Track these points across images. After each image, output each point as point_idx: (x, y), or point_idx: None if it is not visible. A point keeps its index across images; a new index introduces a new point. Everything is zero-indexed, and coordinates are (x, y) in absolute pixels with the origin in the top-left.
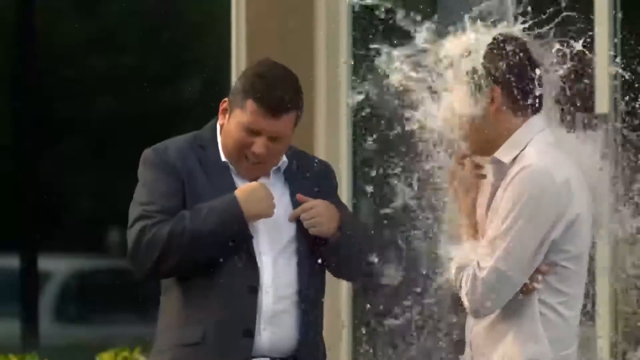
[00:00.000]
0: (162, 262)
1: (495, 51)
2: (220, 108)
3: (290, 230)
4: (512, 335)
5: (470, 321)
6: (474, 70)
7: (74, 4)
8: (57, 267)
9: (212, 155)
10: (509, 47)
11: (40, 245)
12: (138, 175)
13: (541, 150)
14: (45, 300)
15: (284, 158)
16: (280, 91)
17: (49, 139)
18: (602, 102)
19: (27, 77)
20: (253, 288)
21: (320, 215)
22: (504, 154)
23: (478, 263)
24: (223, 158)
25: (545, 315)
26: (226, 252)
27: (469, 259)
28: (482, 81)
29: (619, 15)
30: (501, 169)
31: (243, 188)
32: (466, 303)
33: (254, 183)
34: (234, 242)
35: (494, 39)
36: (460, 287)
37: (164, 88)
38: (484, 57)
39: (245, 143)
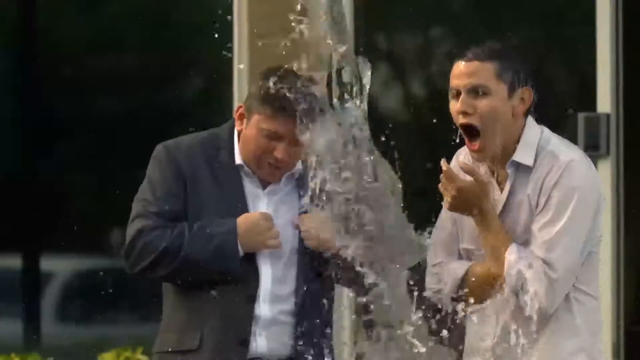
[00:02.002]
0: (152, 270)
1: (520, 54)
2: (237, 114)
3: (294, 240)
4: (551, 331)
5: (487, 321)
6: (513, 71)
7: (74, 4)
8: (58, 267)
9: (225, 157)
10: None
11: (41, 245)
12: (147, 168)
13: (566, 144)
14: (47, 300)
15: (299, 165)
16: (302, 96)
17: (49, 138)
18: (604, 102)
19: (28, 77)
20: (251, 297)
21: (315, 227)
22: (523, 156)
23: (548, 264)
24: (237, 161)
25: (581, 302)
26: (216, 277)
27: (525, 259)
28: (519, 81)
29: (620, 14)
30: (521, 171)
31: (246, 218)
32: (535, 304)
33: (257, 213)
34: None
35: (512, 44)
36: (522, 288)
37: (165, 87)
38: (517, 59)
39: (267, 148)
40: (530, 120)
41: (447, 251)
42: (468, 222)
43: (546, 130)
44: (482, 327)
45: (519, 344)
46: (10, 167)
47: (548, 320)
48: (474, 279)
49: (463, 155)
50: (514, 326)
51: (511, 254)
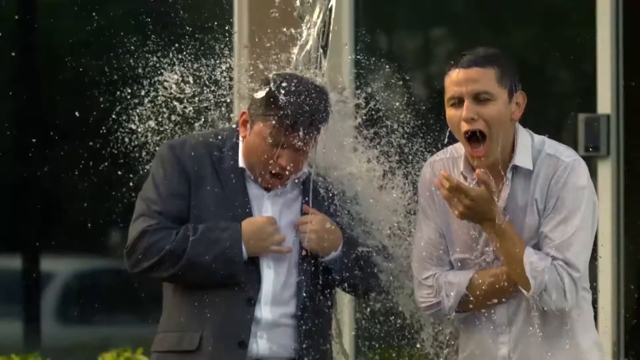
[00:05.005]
0: (154, 271)
1: (510, 61)
2: (240, 119)
3: (296, 243)
4: (568, 329)
5: (502, 321)
6: (511, 76)
7: (74, 4)
8: (58, 267)
9: (229, 159)
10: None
11: (41, 245)
12: (151, 167)
13: (560, 145)
14: (47, 300)
15: (305, 168)
16: (306, 105)
17: (49, 139)
18: (604, 103)
19: (27, 78)
20: (251, 300)
21: (314, 231)
22: (522, 160)
23: (569, 264)
24: (241, 164)
25: (584, 297)
26: (218, 281)
27: (545, 260)
28: (515, 86)
29: (620, 14)
30: (520, 175)
31: (250, 223)
32: (559, 304)
33: (261, 218)
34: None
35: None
36: (545, 289)
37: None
38: (512, 64)
39: (270, 156)
40: (518, 124)
41: (436, 263)
42: (459, 232)
43: (533, 134)
44: (494, 333)
45: (539, 347)
46: (10, 167)
47: (564, 320)
48: (481, 287)
49: (442, 164)
50: (534, 328)
51: (531, 256)
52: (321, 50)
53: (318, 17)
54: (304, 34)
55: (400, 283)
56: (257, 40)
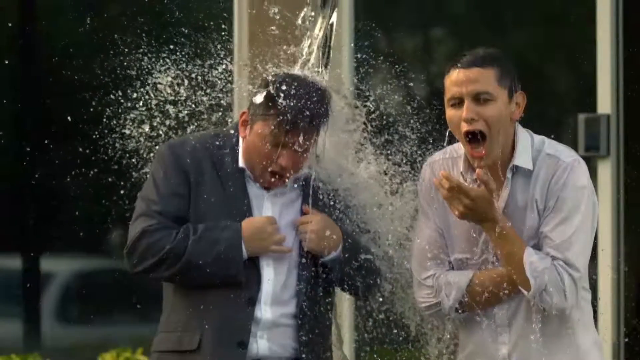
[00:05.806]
0: (154, 271)
1: (509, 61)
2: (240, 119)
3: (296, 243)
4: (568, 329)
5: (502, 321)
6: (511, 76)
7: (74, 4)
8: (58, 267)
9: (229, 158)
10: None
11: (42, 245)
12: (151, 167)
13: (560, 145)
14: (47, 300)
15: (305, 169)
16: (306, 105)
17: (49, 139)
18: (604, 103)
19: (27, 78)
20: (251, 300)
21: (314, 231)
22: (522, 160)
23: (569, 264)
24: (241, 164)
25: (584, 297)
26: (218, 281)
27: (545, 260)
28: (514, 86)
29: (620, 14)
30: (520, 175)
31: (250, 223)
32: (559, 304)
33: (261, 218)
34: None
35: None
36: (545, 289)
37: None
38: (511, 64)
39: (270, 156)
40: (518, 124)
41: (436, 263)
42: (459, 233)
43: (533, 134)
44: (494, 333)
45: (539, 347)
46: (10, 167)
47: (564, 320)
48: (481, 287)
49: (441, 164)
50: (534, 328)
51: (531, 256)
52: (322, 69)
53: (319, 32)
54: (305, 51)
55: (404, 293)
56: (256, 52)
